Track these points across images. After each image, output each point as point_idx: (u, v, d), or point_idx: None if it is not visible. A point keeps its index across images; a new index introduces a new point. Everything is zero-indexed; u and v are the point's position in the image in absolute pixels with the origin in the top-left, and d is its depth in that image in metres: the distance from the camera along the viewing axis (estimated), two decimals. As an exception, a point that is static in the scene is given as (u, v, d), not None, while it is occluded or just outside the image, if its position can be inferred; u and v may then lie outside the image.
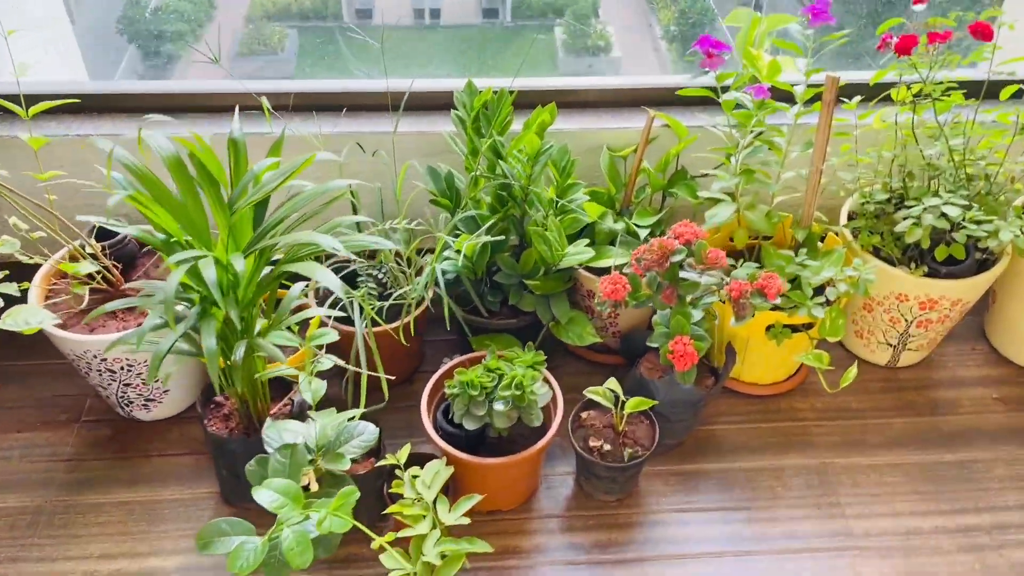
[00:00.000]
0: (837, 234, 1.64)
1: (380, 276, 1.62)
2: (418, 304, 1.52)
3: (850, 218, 1.65)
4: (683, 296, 1.27)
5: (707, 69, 1.44)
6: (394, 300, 1.52)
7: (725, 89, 1.57)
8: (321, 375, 1.30)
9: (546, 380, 1.44)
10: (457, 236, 1.51)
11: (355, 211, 1.58)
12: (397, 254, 1.66)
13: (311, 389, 1.21)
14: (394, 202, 1.72)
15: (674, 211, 1.73)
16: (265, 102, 1.43)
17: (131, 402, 1.58)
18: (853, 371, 1.41)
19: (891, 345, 1.69)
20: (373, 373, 1.37)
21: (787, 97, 1.56)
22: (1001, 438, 1.62)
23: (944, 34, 1.34)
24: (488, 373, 1.36)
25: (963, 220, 1.42)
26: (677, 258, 1.24)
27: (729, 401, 1.70)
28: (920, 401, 1.69)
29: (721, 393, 1.71)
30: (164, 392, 1.58)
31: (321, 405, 1.26)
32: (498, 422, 1.34)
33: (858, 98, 1.59)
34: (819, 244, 1.63)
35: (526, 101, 1.73)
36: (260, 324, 1.25)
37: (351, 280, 1.62)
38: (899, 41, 1.46)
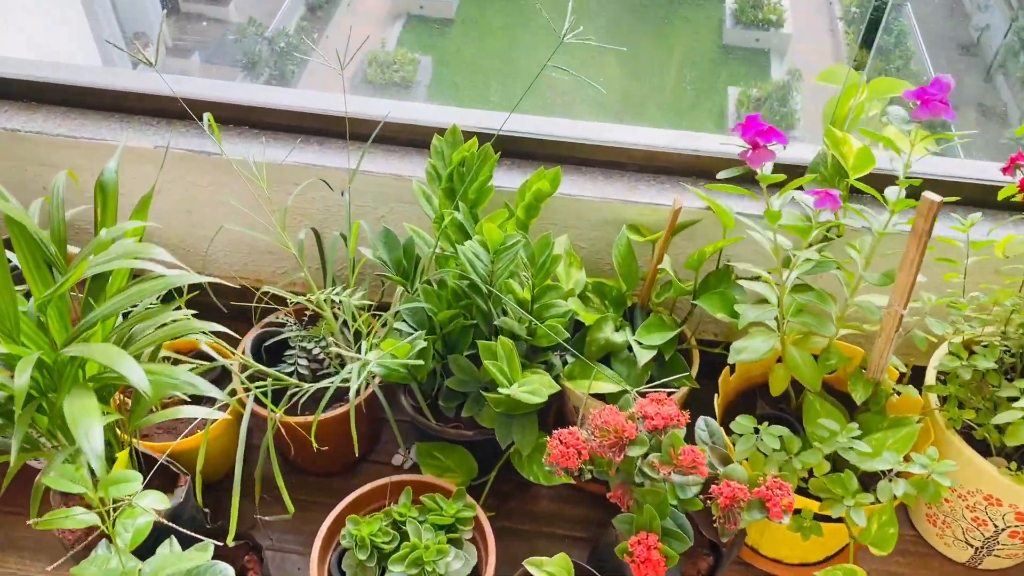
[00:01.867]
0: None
1: (315, 351, 1.31)
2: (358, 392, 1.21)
3: (940, 379, 1.21)
4: (639, 501, 0.90)
5: (747, 164, 1.03)
6: (325, 385, 1.21)
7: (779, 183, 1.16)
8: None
9: (476, 538, 1.11)
10: (401, 329, 1.17)
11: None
12: (345, 323, 1.34)
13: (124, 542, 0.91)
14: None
15: (700, 323, 1.34)
16: (209, 119, 1.13)
17: None
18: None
19: (972, 546, 1.25)
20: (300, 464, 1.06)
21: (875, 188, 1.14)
22: None
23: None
24: (388, 531, 1.03)
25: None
26: (635, 452, 0.86)
27: None
28: (1000, 626, 1.25)
29: (736, 565, 1.32)
30: None
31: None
32: (390, 597, 1.02)
33: (977, 215, 1.14)
34: (889, 401, 1.20)
35: (538, 153, 1.37)
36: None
37: (282, 349, 1.32)
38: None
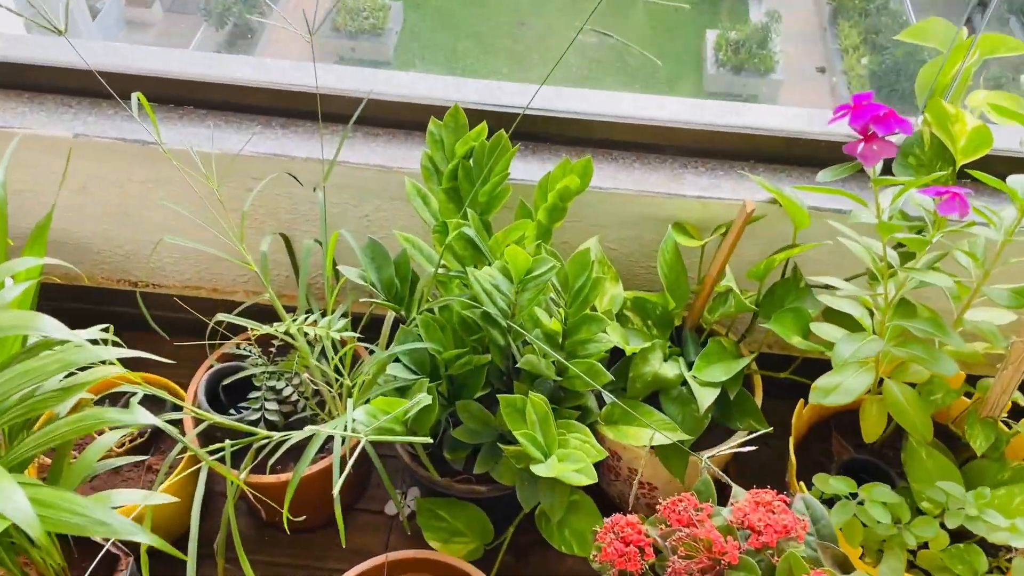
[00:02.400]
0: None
1: (286, 391, 1.05)
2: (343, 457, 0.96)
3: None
4: None
5: (857, 158, 0.77)
6: (300, 437, 0.95)
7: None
8: None
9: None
10: (395, 373, 0.91)
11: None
12: (323, 352, 1.08)
13: None
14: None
15: (761, 342, 1.09)
16: (139, 99, 0.86)
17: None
18: None
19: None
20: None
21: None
22: None
23: None
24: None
25: None
26: None
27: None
28: None
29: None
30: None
31: None
32: None
33: None
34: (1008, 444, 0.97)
35: (558, 135, 1.10)
36: None
37: (246, 387, 1.06)
38: None
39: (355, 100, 1.05)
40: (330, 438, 1.07)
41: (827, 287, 1.01)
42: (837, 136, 1.07)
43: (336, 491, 0.72)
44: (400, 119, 1.10)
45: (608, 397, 0.99)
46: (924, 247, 0.82)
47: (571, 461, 0.79)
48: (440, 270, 0.91)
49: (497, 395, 0.84)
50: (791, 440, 0.99)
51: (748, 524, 0.62)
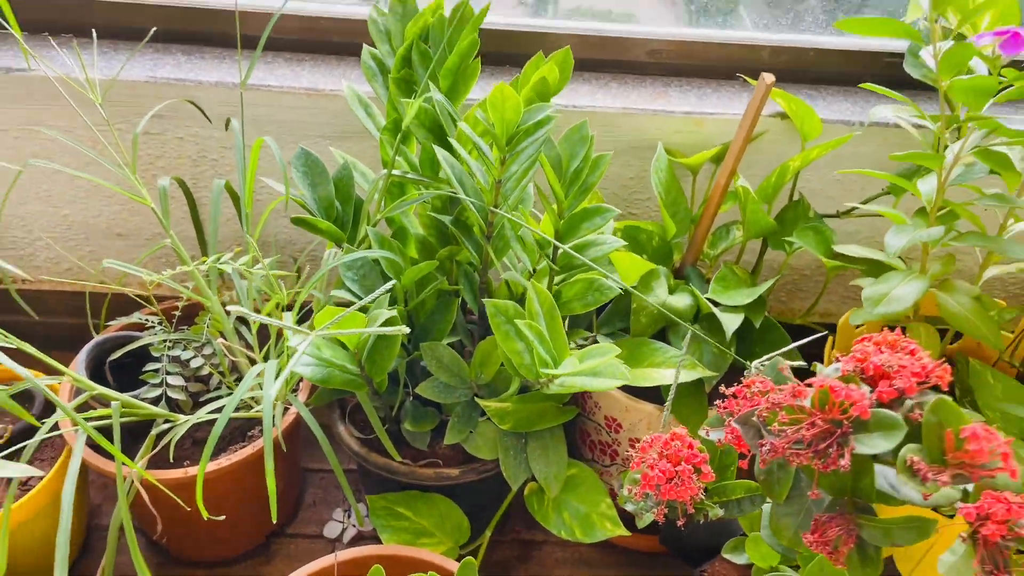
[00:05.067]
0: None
1: (194, 362, 0.82)
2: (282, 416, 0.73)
3: None
4: (861, 533, 0.45)
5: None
6: (208, 413, 0.71)
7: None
8: None
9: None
10: (345, 300, 0.70)
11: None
12: (241, 319, 0.86)
13: None
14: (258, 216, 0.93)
15: (781, 277, 0.93)
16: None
17: None
18: None
19: None
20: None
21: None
22: None
23: None
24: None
25: None
26: (877, 446, 0.42)
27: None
28: None
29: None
30: None
31: None
32: None
33: None
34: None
35: (527, 56, 0.94)
36: None
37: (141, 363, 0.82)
38: None
39: (267, 16, 0.86)
40: (253, 425, 0.84)
41: (839, 213, 0.87)
42: (825, 44, 0.95)
43: (269, 454, 0.50)
44: (330, 40, 0.93)
45: (600, 337, 0.80)
46: (986, 96, 0.68)
47: (592, 357, 0.59)
48: (393, 172, 0.71)
49: (484, 301, 0.64)
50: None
51: (873, 369, 0.43)
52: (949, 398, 0.42)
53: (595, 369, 0.59)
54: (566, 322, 0.77)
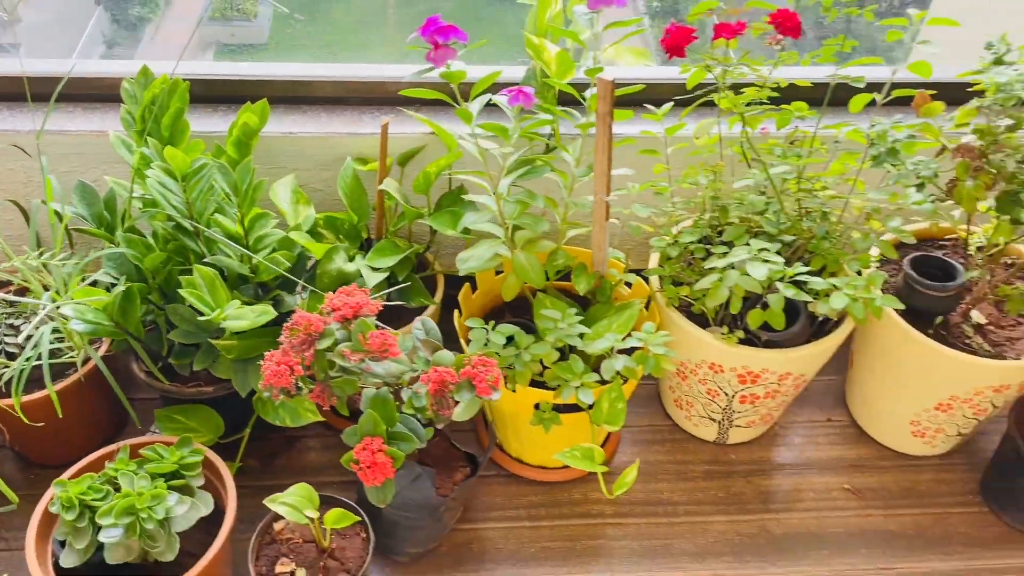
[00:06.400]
0: (634, 284, 1.26)
1: (24, 327, 1.20)
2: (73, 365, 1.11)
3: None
4: (338, 394, 0.88)
5: (432, 64, 1.03)
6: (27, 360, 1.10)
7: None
8: None
9: (208, 485, 1.05)
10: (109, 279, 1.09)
11: None
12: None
13: None
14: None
15: (441, 249, 1.34)
16: None
17: None
18: (632, 475, 1.04)
19: (715, 420, 1.33)
20: None
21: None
22: (847, 546, 1.26)
23: (737, 26, 0.95)
24: (99, 487, 0.96)
25: (781, 278, 1.05)
26: (324, 344, 0.84)
27: (509, 490, 1.32)
28: (749, 493, 1.33)
29: (503, 478, 1.33)
30: None
31: None
32: (111, 556, 0.94)
33: (669, 105, 1.21)
34: (620, 292, 1.25)
35: (256, 96, 1.32)
36: None
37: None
38: (717, 28, 1.07)
39: (74, 79, 1.23)
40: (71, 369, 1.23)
41: (468, 195, 1.28)
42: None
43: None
44: (114, 93, 1.30)
45: (307, 295, 1.20)
46: (506, 134, 1.09)
47: (232, 313, 1.00)
48: (136, 194, 1.10)
49: (181, 278, 1.04)
50: (457, 315, 1.23)
51: (332, 306, 0.84)
52: (370, 320, 0.84)
53: (234, 315, 1.00)
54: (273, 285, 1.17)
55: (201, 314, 1.02)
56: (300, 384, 0.96)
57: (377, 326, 0.89)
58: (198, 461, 1.02)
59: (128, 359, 1.24)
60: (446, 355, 0.93)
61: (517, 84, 1.08)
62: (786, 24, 0.92)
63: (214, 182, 1.02)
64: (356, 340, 0.83)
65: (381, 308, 0.86)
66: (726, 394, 1.25)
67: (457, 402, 0.91)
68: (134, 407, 1.39)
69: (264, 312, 1.03)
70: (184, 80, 1.10)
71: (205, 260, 1.09)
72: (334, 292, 1.11)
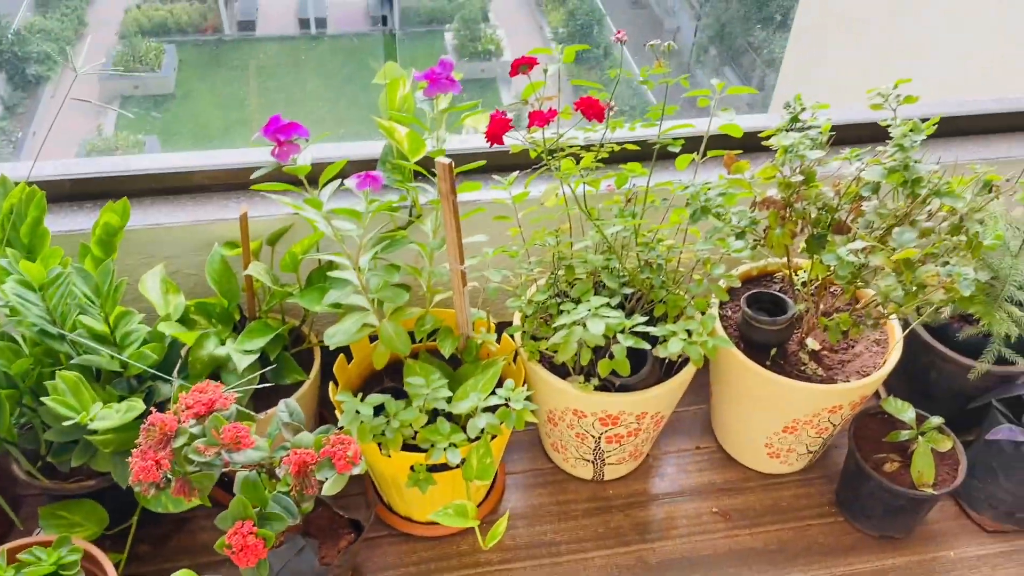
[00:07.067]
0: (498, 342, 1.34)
1: None
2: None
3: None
4: (199, 487, 0.93)
5: (277, 161, 1.10)
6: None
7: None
8: None
9: (91, 581, 1.07)
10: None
11: None
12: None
13: None
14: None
15: (316, 322, 1.40)
16: None
17: None
18: (502, 526, 1.10)
19: (588, 460, 1.41)
20: None
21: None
22: (716, 568, 1.35)
23: (549, 113, 1.05)
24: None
25: (623, 330, 1.14)
26: (179, 442, 0.89)
27: (400, 548, 1.37)
28: (626, 526, 1.42)
29: (394, 537, 1.38)
30: None
31: None
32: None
33: (513, 175, 1.30)
34: (488, 351, 1.33)
35: (119, 191, 1.36)
36: None
37: None
38: (531, 116, 1.16)
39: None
40: None
41: (332, 269, 1.34)
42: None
43: None
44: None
45: (178, 382, 1.24)
46: (359, 216, 1.16)
47: (100, 415, 1.03)
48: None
49: (45, 384, 1.07)
50: (332, 388, 1.29)
51: (185, 404, 0.90)
52: (225, 414, 0.89)
53: (105, 415, 1.03)
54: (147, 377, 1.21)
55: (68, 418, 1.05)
56: (170, 476, 1.00)
57: (246, 414, 0.94)
58: (76, 560, 1.05)
59: (8, 461, 1.25)
60: (306, 437, 0.99)
61: (376, 160, 1.16)
62: (589, 112, 1.02)
63: (73, 287, 1.06)
64: (210, 435, 0.89)
65: (234, 401, 0.91)
66: (593, 436, 1.33)
67: (322, 480, 0.97)
68: (24, 505, 1.40)
69: (131, 408, 1.07)
70: (40, 189, 1.14)
71: (73, 361, 1.12)
72: (207, 378, 1.16)
